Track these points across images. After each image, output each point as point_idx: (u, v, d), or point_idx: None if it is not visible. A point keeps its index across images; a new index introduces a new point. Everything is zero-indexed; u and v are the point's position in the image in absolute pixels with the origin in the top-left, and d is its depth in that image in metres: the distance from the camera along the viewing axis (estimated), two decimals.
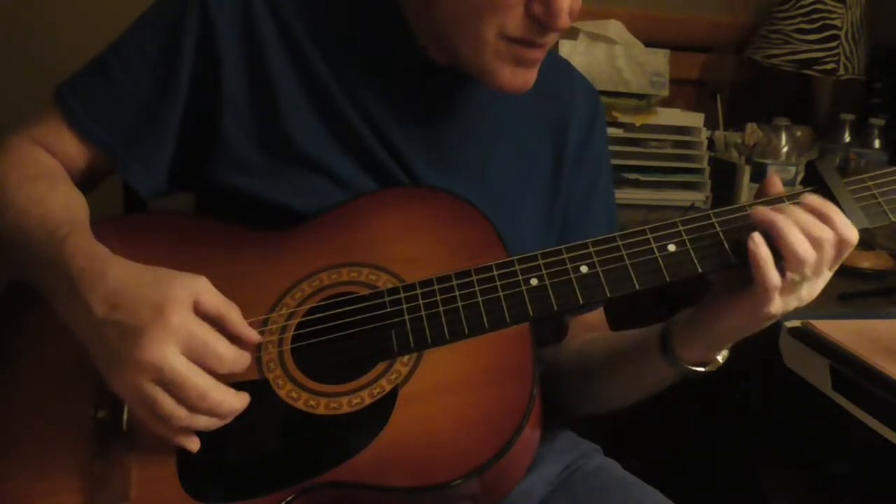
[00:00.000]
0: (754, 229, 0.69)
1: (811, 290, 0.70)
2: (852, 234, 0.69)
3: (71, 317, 0.67)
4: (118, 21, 0.85)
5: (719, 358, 0.77)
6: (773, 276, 0.67)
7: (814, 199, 0.69)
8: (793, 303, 0.70)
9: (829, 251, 0.68)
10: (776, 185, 0.74)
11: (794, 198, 0.72)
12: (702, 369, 0.76)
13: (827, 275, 0.70)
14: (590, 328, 0.92)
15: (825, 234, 0.67)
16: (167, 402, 0.62)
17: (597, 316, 0.94)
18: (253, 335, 0.69)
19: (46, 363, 0.74)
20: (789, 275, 0.68)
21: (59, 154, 0.83)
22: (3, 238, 0.75)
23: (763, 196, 0.74)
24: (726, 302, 0.72)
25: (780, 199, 0.72)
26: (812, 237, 0.67)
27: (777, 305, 0.69)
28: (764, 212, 0.69)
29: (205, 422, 0.64)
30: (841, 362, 0.94)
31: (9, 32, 1.50)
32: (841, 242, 0.68)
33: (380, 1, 0.83)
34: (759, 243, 0.67)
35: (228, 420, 0.65)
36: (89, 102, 0.82)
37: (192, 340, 0.63)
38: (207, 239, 0.80)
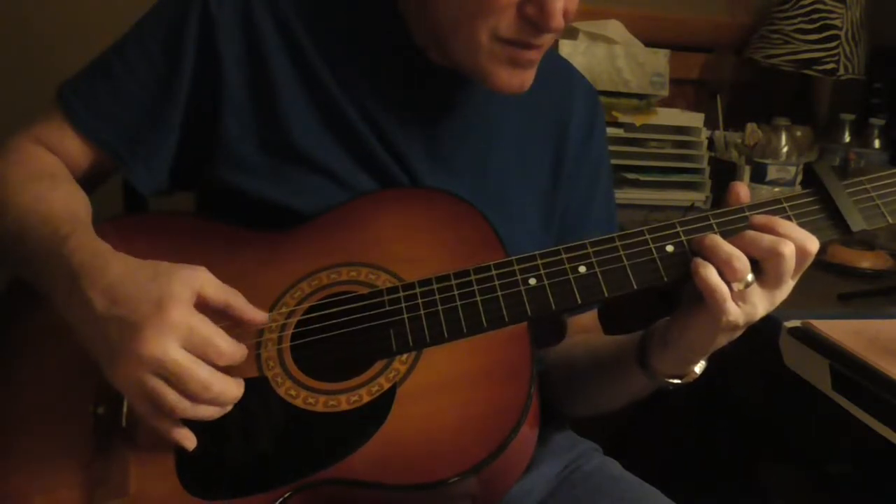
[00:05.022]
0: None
1: (772, 298, 0.69)
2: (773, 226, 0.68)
3: (71, 312, 0.67)
4: (120, 22, 0.86)
5: (697, 369, 0.76)
6: (715, 278, 0.66)
7: (759, 218, 0.69)
8: (757, 311, 0.68)
9: (783, 257, 0.66)
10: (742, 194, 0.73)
11: (792, 199, 0.72)
12: (678, 381, 0.76)
13: (790, 283, 0.69)
14: (582, 330, 0.91)
15: (764, 242, 0.66)
16: (171, 395, 0.63)
17: (589, 318, 0.93)
18: (261, 315, 0.69)
19: (46, 360, 0.74)
20: (735, 285, 0.67)
21: (62, 154, 0.83)
22: (5, 237, 0.75)
23: (725, 205, 0.72)
24: (690, 314, 0.70)
25: (776, 202, 0.72)
26: (760, 249, 0.66)
27: (734, 313, 0.67)
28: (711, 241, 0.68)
29: (208, 411, 0.65)
30: (841, 362, 0.94)
31: (10, 33, 1.51)
32: (774, 240, 0.67)
33: (379, 2, 0.83)
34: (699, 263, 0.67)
35: (229, 408, 0.66)
36: (91, 102, 0.82)
37: (193, 335, 0.63)
38: (207, 239, 0.81)
